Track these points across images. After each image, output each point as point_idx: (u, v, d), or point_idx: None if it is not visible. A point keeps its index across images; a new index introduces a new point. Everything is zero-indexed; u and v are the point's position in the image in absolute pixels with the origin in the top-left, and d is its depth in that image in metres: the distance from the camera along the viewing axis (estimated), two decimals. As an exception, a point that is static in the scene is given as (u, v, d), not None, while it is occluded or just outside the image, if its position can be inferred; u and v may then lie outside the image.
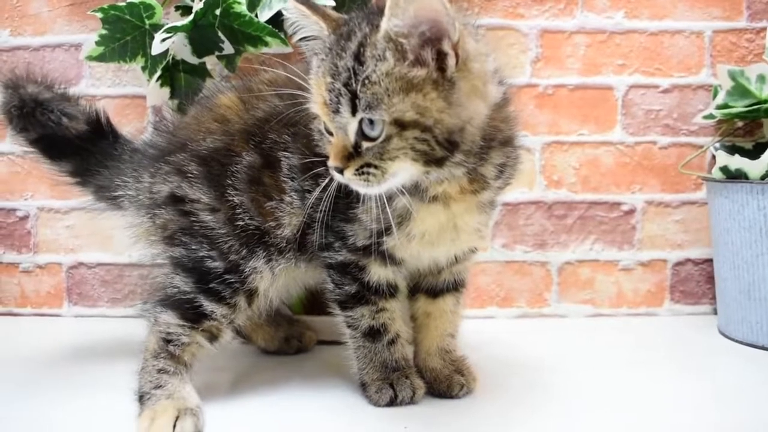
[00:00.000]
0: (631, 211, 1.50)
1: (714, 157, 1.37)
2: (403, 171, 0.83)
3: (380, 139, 0.80)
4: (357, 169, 0.82)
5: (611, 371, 1.14)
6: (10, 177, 1.53)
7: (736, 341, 1.30)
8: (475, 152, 0.85)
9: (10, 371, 1.15)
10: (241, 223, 0.97)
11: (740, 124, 1.45)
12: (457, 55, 0.79)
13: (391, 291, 0.99)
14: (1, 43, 1.51)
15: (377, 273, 0.97)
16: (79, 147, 1.14)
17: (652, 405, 0.99)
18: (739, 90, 1.35)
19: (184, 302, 0.97)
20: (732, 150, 1.39)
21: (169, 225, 1.00)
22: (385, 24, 0.78)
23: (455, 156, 0.83)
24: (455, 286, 1.06)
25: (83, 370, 1.16)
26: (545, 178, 1.49)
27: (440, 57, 0.79)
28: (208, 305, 0.96)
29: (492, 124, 0.87)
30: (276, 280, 1.01)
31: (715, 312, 1.47)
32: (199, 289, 0.97)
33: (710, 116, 1.40)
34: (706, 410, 0.97)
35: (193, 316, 0.96)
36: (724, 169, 1.30)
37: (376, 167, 0.81)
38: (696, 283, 1.51)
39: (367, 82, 0.78)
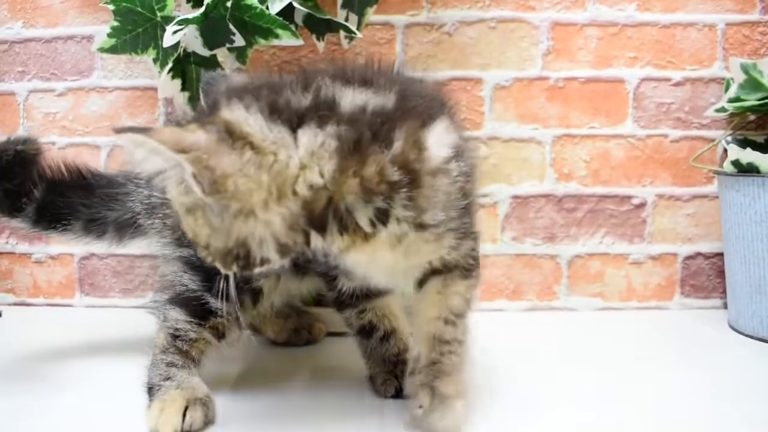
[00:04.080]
0: (641, 205, 1.50)
1: (725, 150, 1.36)
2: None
3: None
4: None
5: (620, 365, 1.14)
6: (23, 168, 1.54)
7: (747, 335, 1.30)
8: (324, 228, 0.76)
9: (23, 360, 1.16)
10: None
11: (752, 117, 1.44)
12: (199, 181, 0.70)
13: (369, 294, 1.00)
14: (13, 35, 1.52)
15: (346, 284, 0.98)
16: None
17: (661, 399, 0.99)
18: (752, 83, 1.34)
19: (191, 300, 0.98)
20: (744, 143, 1.38)
21: (178, 224, 1.01)
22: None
23: (287, 256, 0.76)
24: (439, 271, 0.92)
25: (95, 360, 1.17)
26: (555, 171, 1.49)
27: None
28: (215, 303, 0.97)
29: (326, 203, 0.75)
30: (280, 284, 1.02)
31: (725, 306, 1.46)
32: (205, 287, 0.98)
33: (722, 109, 1.39)
34: (715, 404, 0.97)
35: (201, 313, 0.98)
36: (736, 163, 1.29)
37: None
38: (706, 277, 1.51)
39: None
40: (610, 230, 1.50)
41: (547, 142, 1.49)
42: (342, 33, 1.27)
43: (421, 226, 0.81)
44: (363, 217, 0.77)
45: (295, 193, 0.73)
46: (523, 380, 1.07)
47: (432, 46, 1.48)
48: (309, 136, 0.73)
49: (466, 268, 0.92)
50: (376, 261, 0.84)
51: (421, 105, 0.82)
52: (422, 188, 0.78)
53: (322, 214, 0.75)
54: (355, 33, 1.25)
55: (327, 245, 0.78)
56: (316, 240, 0.76)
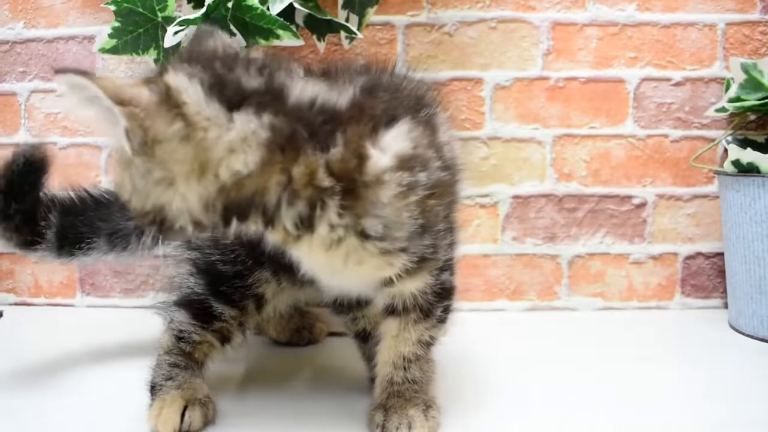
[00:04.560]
0: (642, 205, 1.50)
1: (726, 150, 1.36)
2: None
3: None
4: None
5: (621, 364, 1.14)
6: (24, 168, 1.55)
7: (747, 335, 1.30)
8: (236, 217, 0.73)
9: (24, 360, 1.17)
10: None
11: (753, 117, 1.44)
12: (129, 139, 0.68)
13: (359, 302, 0.98)
14: (15, 35, 1.52)
15: (325, 290, 0.97)
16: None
17: (661, 398, 0.99)
18: (752, 83, 1.34)
19: (195, 302, 0.99)
20: (744, 143, 1.38)
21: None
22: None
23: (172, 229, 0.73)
24: (399, 311, 0.88)
25: (96, 360, 1.17)
26: (556, 171, 1.49)
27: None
28: (218, 307, 0.98)
29: (250, 194, 0.72)
30: (283, 292, 1.02)
31: (725, 306, 1.46)
32: (210, 291, 0.99)
33: (722, 109, 1.39)
34: (716, 404, 0.97)
35: (204, 316, 0.98)
36: (736, 163, 1.29)
37: None
38: (707, 276, 1.51)
39: None
40: (611, 230, 1.50)
41: (547, 142, 1.49)
42: (343, 33, 1.27)
43: (363, 235, 0.76)
44: (287, 218, 0.74)
45: (216, 175, 0.70)
46: (523, 380, 1.07)
47: (433, 47, 1.48)
48: (243, 121, 0.69)
49: (424, 308, 0.87)
50: (315, 261, 0.82)
51: (383, 104, 0.78)
52: (359, 200, 0.74)
53: (244, 203, 0.72)
54: (355, 33, 1.25)
55: (264, 233, 0.77)
56: (238, 226, 0.74)
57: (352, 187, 0.73)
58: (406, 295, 0.86)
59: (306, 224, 0.74)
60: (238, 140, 0.69)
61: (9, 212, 1.05)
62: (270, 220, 0.74)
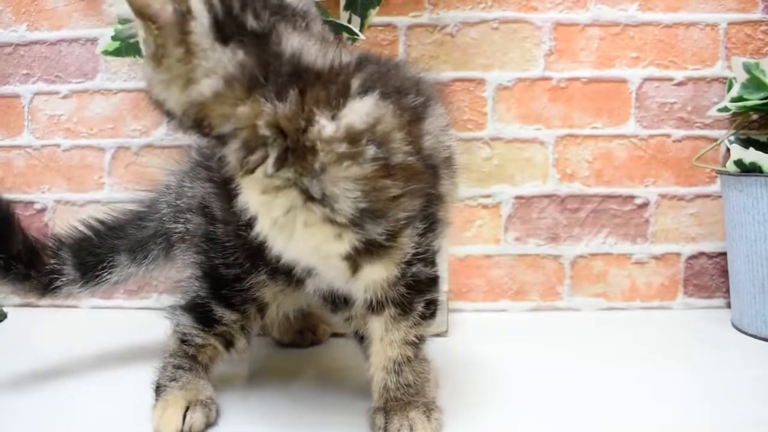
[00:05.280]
0: (644, 205, 1.50)
1: (728, 150, 1.36)
2: None
3: None
4: None
5: (624, 365, 1.14)
6: (28, 170, 1.55)
7: (750, 335, 1.30)
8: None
9: (29, 361, 1.17)
10: (245, 236, 0.95)
11: (755, 116, 1.44)
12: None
13: (347, 300, 0.97)
14: (18, 38, 1.53)
15: (309, 284, 0.96)
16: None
17: (664, 399, 0.99)
18: (754, 82, 1.34)
19: (198, 306, 1.00)
20: (746, 143, 1.38)
21: (197, 231, 1.03)
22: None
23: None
24: (379, 307, 0.87)
25: (100, 361, 1.17)
26: (558, 171, 1.49)
27: None
28: (219, 310, 0.99)
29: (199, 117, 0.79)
30: (284, 296, 1.02)
31: (728, 306, 1.46)
32: (212, 295, 1.00)
33: (725, 109, 1.39)
34: (719, 404, 0.97)
35: (206, 319, 1.00)
36: (739, 163, 1.29)
37: None
38: (710, 276, 1.51)
39: None
40: (613, 230, 1.50)
41: (549, 143, 1.49)
42: (345, 35, 1.27)
43: (306, 194, 0.78)
44: (230, 151, 0.79)
45: (192, 92, 0.77)
46: (526, 381, 1.07)
47: (435, 47, 1.48)
48: (221, 54, 0.75)
49: (397, 302, 0.85)
50: (255, 205, 0.83)
51: (363, 76, 0.80)
52: (301, 160, 0.77)
53: (204, 122, 0.78)
54: (357, 35, 1.25)
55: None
56: (207, 140, 0.84)
57: (294, 146, 0.77)
58: (375, 286, 0.85)
59: (244, 164, 0.79)
60: (210, 69, 0.75)
61: (2, 264, 1.03)
62: (223, 145, 0.80)
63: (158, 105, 0.80)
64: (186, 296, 1.03)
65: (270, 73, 0.75)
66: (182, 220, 1.06)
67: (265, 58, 0.75)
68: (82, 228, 1.14)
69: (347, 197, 0.77)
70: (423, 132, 0.83)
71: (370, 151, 0.76)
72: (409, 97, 0.83)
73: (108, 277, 1.11)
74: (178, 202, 1.08)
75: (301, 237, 0.81)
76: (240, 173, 0.80)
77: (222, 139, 0.79)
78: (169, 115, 0.80)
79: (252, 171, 0.79)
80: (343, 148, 0.76)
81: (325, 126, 0.76)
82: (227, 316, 0.99)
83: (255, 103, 0.75)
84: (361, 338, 1.00)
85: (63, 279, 1.08)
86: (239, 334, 1.01)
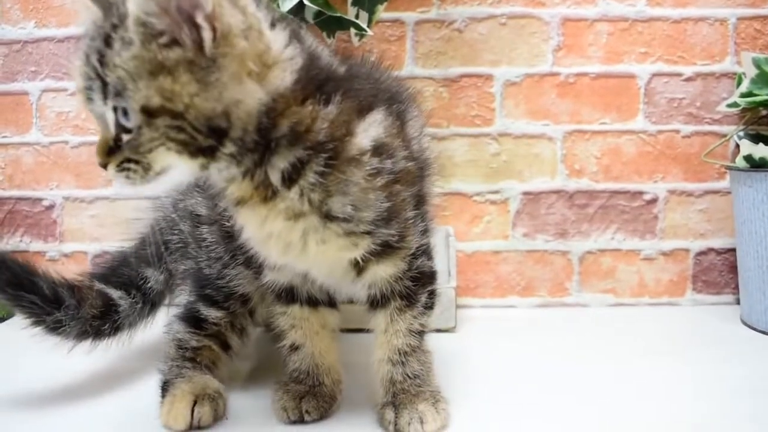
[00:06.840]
0: (653, 201, 1.49)
1: (738, 145, 1.35)
2: (173, 165, 0.74)
3: (135, 131, 0.71)
4: (118, 165, 0.74)
5: (633, 361, 1.14)
6: (36, 167, 1.55)
7: (759, 331, 1.29)
8: (251, 148, 0.75)
9: (33, 361, 1.17)
10: (226, 228, 0.98)
11: (764, 112, 1.43)
12: (214, 29, 0.69)
13: (312, 298, 0.97)
14: (26, 35, 1.53)
15: (268, 275, 0.94)
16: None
17: (673, 395, 0.99)
18: (764, 78, 1.33)
19: (187, 311, 1.04)
20: (756, 139, 1.38)
21: (188, 238, 1.07)
22: (131, 5, 0.69)
23: (226, 146, 0.73)
24: (379, 300, 0.89)
25: (104, 360, 1.17)
26: (567, 167, 1.49)
27: (199, 33, 0.70)
28: (204, 309, 1.02)
29: (274, 116, 0.75)
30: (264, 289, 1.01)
31: (737, 302, 1.46)
32: (198, 296, 1.03)
33: (734, 104, 1.39)
34: (728, 400, 0.97)
35: (196, 321, 1.02)
36: (748, 158, 1.29)
37: (136, 162, 0.73)
38: (719, 272, 1.50)
39: (113, 66, 0.70)
40: (622, 226, 1.50)
41: (558, 138, 1.49)
42: (352, 30, 1.27)
43: (327, 217, 0.79)
44: (279, 163, 0.76)
45: (262, 78, 0.74)
46: (534, 376, 1.07)
47: (442, 43, 1.48)
48: (285, 42, 0.76)
49: (404, 294, 0.88)
50: (270, 233, 0.81)
51: (367, 91, 0.83)
52: (336, 173, 0.78)
53: (252, 130, 0.74)
54: (365, 30, 1.25)
55: (224, 181, 0.78)
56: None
57: (335, 156, 0.77)
58: (381, 282, 0.87)
59: (291, 178, 0.77)
60: (286, 58, 0.76)
61: (42, 311, 1.01)
62: (255, 167, 0.77)
63: (203, 116, 0.72)
64: (178, 308, 1.06)
65: (317, 75, 0.78)
66: (176, 231, 1.09)
67: (311, 61, 0.79)
68: (111, 259, 1.17)
69: (371, 206, 0.80)
70: (410, 137, 0.89)
71: (388, 163, 0.81)
72: (394, 105, 0.88)
73: (144, 287, 1.11)
74: (173, 212, 1.10)
75: (315, 253, 0.82)
76: (273, 195, 0.78)
77: (264, 152, 0.76)
78: (215, 119, 0.72)
79: (291, 185, 0.77)
80: (372, 161, 0.79)
81: (362, 138, 0.79)
82: (213, 314, 1.02)
83: (314, 104, 0.77)
84: (267, 326, 1.02)
85: (120, 319, 1.06)
86: (231, 333, 1.03)
